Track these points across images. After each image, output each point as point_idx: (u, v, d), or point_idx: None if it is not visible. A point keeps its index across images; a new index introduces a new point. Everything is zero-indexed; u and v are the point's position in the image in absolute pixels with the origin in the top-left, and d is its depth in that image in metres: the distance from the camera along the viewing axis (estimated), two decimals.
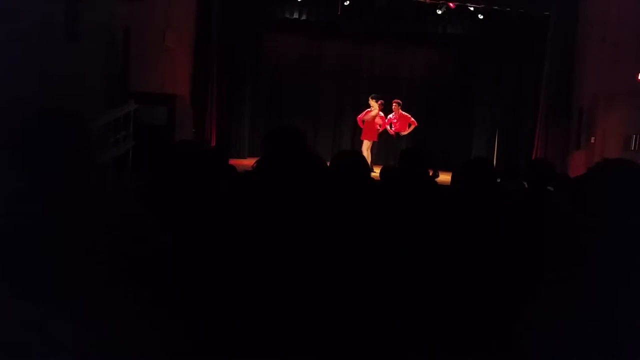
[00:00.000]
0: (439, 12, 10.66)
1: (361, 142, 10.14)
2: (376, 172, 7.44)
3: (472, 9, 10.56)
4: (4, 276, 1.38)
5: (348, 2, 10.62)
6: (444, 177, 7.47)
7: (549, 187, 3.85)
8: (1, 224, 1.43)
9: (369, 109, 10.31)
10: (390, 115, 10.28)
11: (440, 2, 10.55)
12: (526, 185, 4.16)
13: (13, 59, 4.82)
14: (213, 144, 9.92)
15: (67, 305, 1.38)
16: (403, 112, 10.22)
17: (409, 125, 10.25)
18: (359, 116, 10.39)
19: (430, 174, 5.49)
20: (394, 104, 10.24)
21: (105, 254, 1.47)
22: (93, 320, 1.39)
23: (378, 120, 10.07)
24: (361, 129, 10.38)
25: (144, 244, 1.59)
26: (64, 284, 1.40)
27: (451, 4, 10.52)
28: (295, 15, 11.21)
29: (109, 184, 5.68)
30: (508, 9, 10.47)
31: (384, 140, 10.87)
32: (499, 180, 3.19)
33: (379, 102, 10.09)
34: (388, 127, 10.30)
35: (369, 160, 8.87)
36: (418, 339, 1.91)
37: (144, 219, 1.65)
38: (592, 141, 9.47)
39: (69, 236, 1.44)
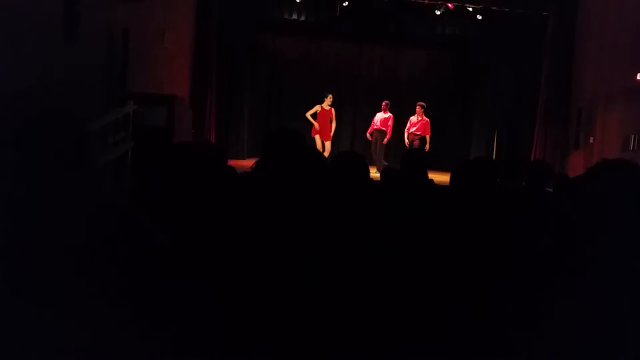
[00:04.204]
0: (438, 12, 10.67)
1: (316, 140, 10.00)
2: (377, 173, 7.43)
3: (470, 9, 10.56)
4: (1, 277, 1.38)
5: (347, 2, 10.62)
6: (443, 177, 7.46)
7: (547, 188, 3.86)
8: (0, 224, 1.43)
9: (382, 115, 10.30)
10: (412, 118, 10.21)
11: (439, 2, 10.56)
12: (525, 186, 4.16)
13: (12, 60, 4.82)
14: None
15: (66, 307, 1.38)
16: (425, 117, 10.13)
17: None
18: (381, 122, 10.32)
19: None
20: (417, 107, 10.12)
21: (103, 255, 1.47)
22: (91, 321, 1.39)
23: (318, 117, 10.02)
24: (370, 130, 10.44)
25: (142, 245, 1.58)
26: (62, 284, 1.40)
27: (450, 5, 10.53)
28: (294, 16, 11.21)
29: (108, 185, 5.67)
30: (507, 10, 10.47)
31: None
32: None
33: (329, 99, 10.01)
34: (408, 127, 10.24)
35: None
36: (417, 339, 1.91)
37: (142, 220, 1.65)
38: (591, 141, 9.48)
39: (68, 237, 1.44)
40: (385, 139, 10.23)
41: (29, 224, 1.42)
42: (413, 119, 10.20)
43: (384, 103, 10.35)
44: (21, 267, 1.39)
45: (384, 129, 10.23)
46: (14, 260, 1.39)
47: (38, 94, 5.13)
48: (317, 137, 9.96)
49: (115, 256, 1.48)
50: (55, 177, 1.49)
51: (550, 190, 3.90)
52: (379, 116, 10.33)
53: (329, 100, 10.02)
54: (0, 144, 1.54)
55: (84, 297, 1.40)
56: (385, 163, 9.84)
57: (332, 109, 10.09)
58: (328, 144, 10.09)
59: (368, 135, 10.54)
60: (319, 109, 10.03)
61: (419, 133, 10.08)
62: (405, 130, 10.29)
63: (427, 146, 10.00)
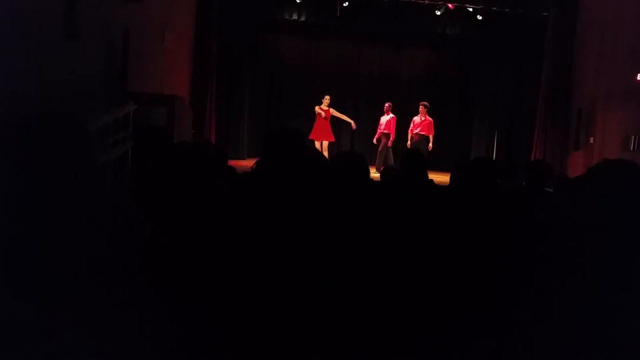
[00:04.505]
0: (438, 12, 10.67)
1: (320, 143, 10.00)
2: (376, 173, 7.41)
3: (471, 9, 10.57)
4: (2, 276, 1.38)
5: (347, 3, 10.63)
6: (443, 178, 7.47)
7: (547, 188, 3.85)
8: (0, 224, 1.43)
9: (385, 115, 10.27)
10: (415, 118, 10.16)
11: (439, 2, 10.56)
12: (525, 186, 4.16)
13: (13, 59, 4.82)
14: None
15: (66, 306, 1.38)
16: (429, 117, 10.05)
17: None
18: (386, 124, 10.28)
19: None
20: (420, 106, 10.06)
21: (104, 255, 1.47)
22: (91, 321, 1.39)
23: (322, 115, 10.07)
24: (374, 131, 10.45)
25: (143, 245, 1.58)
26: (62, 284, 1.40)
27: (450, 5, 10.53)
28: (295, 16, 11.22)
29: (108, 184, 5.67)
30: (507, 10, 10.48)
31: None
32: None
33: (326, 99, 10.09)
34: (411, 128, 10.19)
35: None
36: (417, 339, 1.91)
37: (143, 219, 1.65)
38: (591, 141, 9.49)
39: (68, 237, 1.44)
40: (390, 141, 10.20)
41: (30, 223, 1.42)
42: (416, 119, 10.15)
43: (386, 105, 10.33)
44: (22, 267, 1.39)
45: (387, 131, 10.22)
46: (15, 259, 1.39)
47: (38, 94, 5.13)
48: (316, 142, 9.99)
49: (116, 255, 1.48)
50: (55, 177, 1.49)
51: (551, 190, 3.90)
52: (383, 119, 10.31)
53: (326, 101, 10.09)
54: (0, 143, 1.54)
55: (84, 296, 1.40)
56: (392, 164, 9.82)
57: (330, 109, 10.14)
58: (326, 144, 10.11)
59: (375, 140, 10.48)
60: (318, 110, 10.09)
61: (423, 133, 10.04)
62: (409, 131, 10.25)
63: (430, 145, 9.97)
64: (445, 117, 11.93)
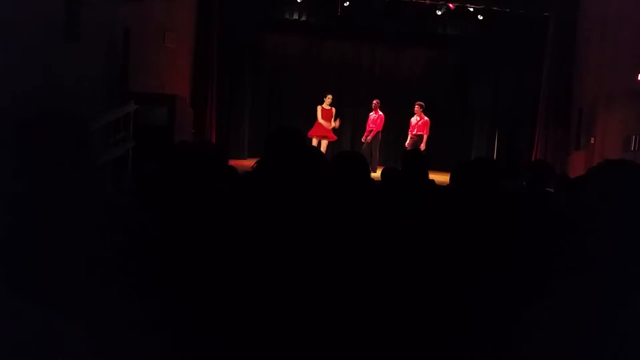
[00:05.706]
0: (439, 12, 10.66)
1: (316, 141, 10.01)
2: (376, 173, 7.40)
3: (471, 9, 10.56)
4: (2, 276, 1.38)
5: (348, 2, 10.63)
6: (443, 177, 7.47)
7: (548, 188, 3.85)
8: (1, 224, 1.43)
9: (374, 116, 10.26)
10: (412, 119, 10.16)
11: (440, 2, 10.55)
12: (525, 186, 4.16)
13: (13, 60, 4.83)
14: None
15: (66, 307, 1.38)
16: (425, 116, 10.05)
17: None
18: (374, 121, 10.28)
19: None
20: (416, 106, 10.09)
21: (104, 255, 1.47)
22: (91, 322, 1.39)
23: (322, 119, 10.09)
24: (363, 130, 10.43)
25: (143, 245, 1.58)
26: (63, 285, 1.40)
27: (451, 5, 10.52)
28: (295, 16, 11.22)
29: (109, 184, 5.68)
30: (508, 10, 10.47)
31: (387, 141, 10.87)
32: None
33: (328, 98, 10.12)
34: (410, 130, 10.20)
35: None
36: (420, 341, 1.91)
37: (143, 219, 1.65)
38: (592, 142, 9.48)
39: (69, 237, 1.44)
40: (369, 137, 10.16)
41: (30, 224, 1.42)
42: (413, 120, 10.17)
43: (374, 102, 10.33)
44: (21, 267, 1.39)
45: (373, 128, 10.21)
46: (14, 260, 1.39)
47: (39, 93, 5.13)
48: (314, 139, 9.98)
49: (116, 256, 1.48)
50: (56, 177, 1.49)
51: (551, 190, 3.90)
52: (372, 117, 10.33)
53: (328, 100, 10.10)
54: (1, 143, 1.54)
55: (84, 296, 1.40)
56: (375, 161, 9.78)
57: (333, 109, 10.15)
58: (325, 143, 10.12)
59: (363, 139, 10.51)
60: (320, 109, 10.08)
61: (420, 133, 10.04)
62: (409, 131, 10.25)
63: (423, 145, 9.92)
64: (446, 117, 11.93)
